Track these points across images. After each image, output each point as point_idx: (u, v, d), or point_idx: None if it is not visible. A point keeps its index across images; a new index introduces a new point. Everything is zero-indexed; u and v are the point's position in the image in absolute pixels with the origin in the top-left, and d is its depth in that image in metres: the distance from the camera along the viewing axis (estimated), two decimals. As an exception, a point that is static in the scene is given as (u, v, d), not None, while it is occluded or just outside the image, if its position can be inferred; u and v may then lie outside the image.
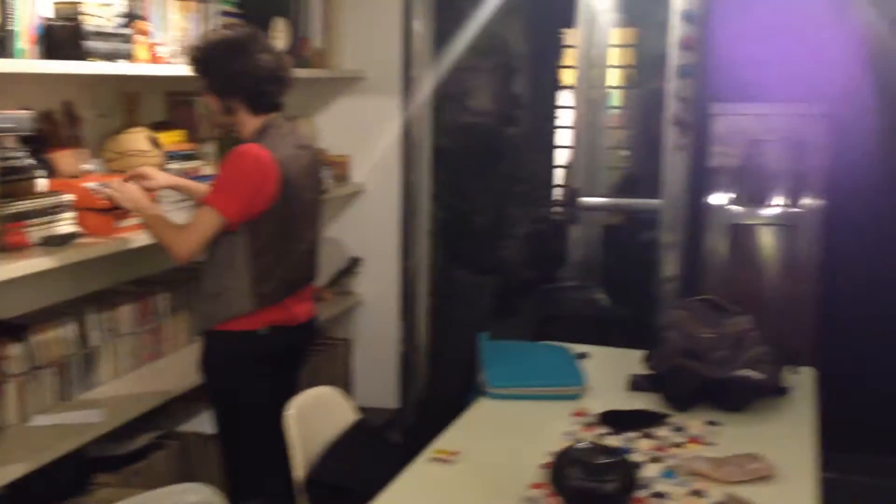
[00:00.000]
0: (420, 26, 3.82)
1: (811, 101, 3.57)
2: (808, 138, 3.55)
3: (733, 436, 2.22)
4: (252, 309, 2.48)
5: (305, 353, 2.77)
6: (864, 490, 3.61)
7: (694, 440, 2.19)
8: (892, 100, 3.58)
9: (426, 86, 3.89)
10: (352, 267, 3.93)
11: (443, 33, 3.97)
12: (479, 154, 4.22)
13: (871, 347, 3.71)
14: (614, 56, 4.16)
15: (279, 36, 3.38)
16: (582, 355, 2.75)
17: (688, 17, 3.58)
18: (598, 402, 2.40)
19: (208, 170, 3.06)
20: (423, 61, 3.86)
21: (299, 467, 2.17)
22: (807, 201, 3.53)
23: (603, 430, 2.24)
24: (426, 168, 3.98)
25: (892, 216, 3.65)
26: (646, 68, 4.13)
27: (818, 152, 3.55)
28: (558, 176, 4.26)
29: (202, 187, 2.69)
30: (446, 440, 2.18)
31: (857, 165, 3.64)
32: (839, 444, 3.32)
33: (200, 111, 3.22)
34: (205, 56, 2.51)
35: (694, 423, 2.29)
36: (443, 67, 3.98)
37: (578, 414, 2.33)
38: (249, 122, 2.51)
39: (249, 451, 2.55)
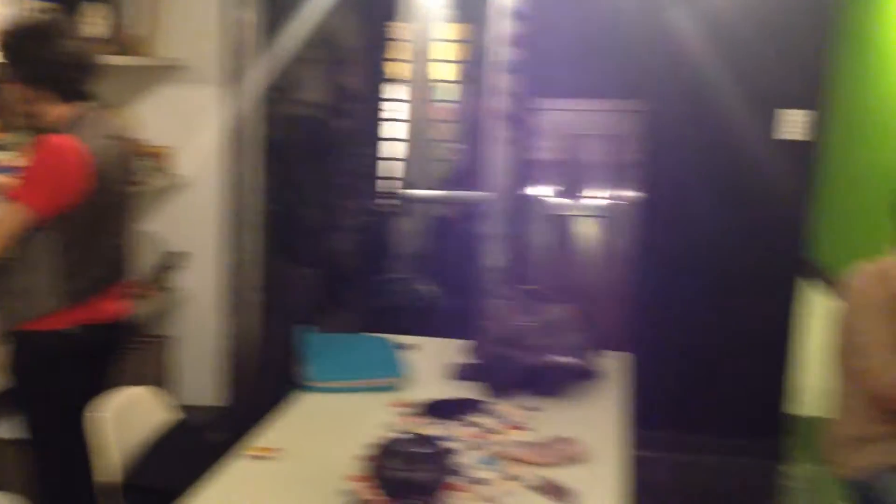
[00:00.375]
0: (248, 16, 3.74)
1: (629, 97, 3.72)
2: (626, 133, 3.70)
3: (551, 420, 2.29)
4: (61, 307, 2.37)
5: (119, 351, 2.67)
6: (674, 465, 3.82)
7: (513, 426, 2.25)
8: (706, 96, 3.78)
9: (254, 76, 3.81)
10: (175, 262, 3.82)
11: (272, 24, 3.90)
12: (309, 146, 4.18)
13: (682, 332, 3.92)
14: (447, 51, 4.21)
15: (97, 22, 3.23)
16: (405, 346, 2.77)
17: (516, 14, 3.66)
18: (422, 392, 2.43)
19: (17, 161, 2.89)
20: (251, 51, 3.78)
21: (115, 470, 2.09)
22: (625, 193, 3.68)
23: (425, 419, 2.26)
24: (255, 160, 3.90)
25: (705, 206, 3.85)
26: (475, 63, 4.20)
27: (636, 146, 3.70)
28: (389, 169, 4.27)
29: (8, 181, 2.55)
30: (264, 437, 2.15)
31: (672, 159, 3.82)
32: (652, 423, 3.50)
33: (6, 99, 3.04)
34: (9, 42, 2.38)
35: (513, 409, 2.35)
36: (272, 58, 3.91)
37: (401, 405, 2.35)
38: (58, 112, 2.40)
39: (60, 455, 2.44)
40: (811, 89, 3.70)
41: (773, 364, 3.91)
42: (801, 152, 3.73)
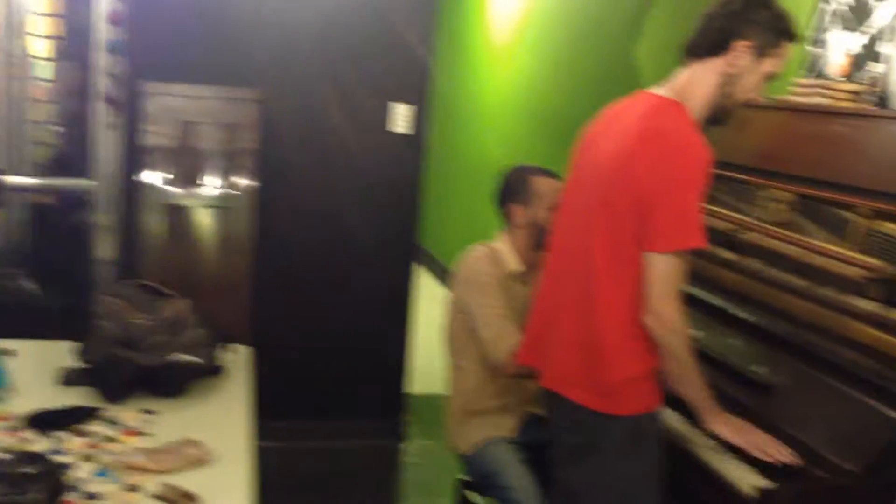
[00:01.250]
0: None
1: (243, 85, 3.66)
2: (241, 121, 3.63)
3: (171, 423, 2.20)
4: None
5: None
6: (302, 453, 3.88)
7: (130, 432, 2.12)
8: (322, 87, 3.83)
9: None
10: None
11: None
12: None
13: (304, 320, 3.97)
14: (40, 24, 3.87)
15: None
16: (3, 351, 2.51)
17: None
18: (25, 403, 2.21)
19: None
20: None
21: None
22: (240, 182, 3.62)
23: (29, 433, 2.06)
24: None
25: (323, 195, 3.92)
26: (76, 40, 3.90)
27: (251, 135, 3.65)
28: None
29: None
30: None
31: (288, 148, 3.85)
32: (279, 413, 3.51)
33: None
34: None
35: (129, 414, 2.22)
36: None
37: (1, 419, 2.12)
38: None
39: None
40: (419, 84, 3.90)
41: (393, 346, 4.10)
42: (411, 145, 3.93)
